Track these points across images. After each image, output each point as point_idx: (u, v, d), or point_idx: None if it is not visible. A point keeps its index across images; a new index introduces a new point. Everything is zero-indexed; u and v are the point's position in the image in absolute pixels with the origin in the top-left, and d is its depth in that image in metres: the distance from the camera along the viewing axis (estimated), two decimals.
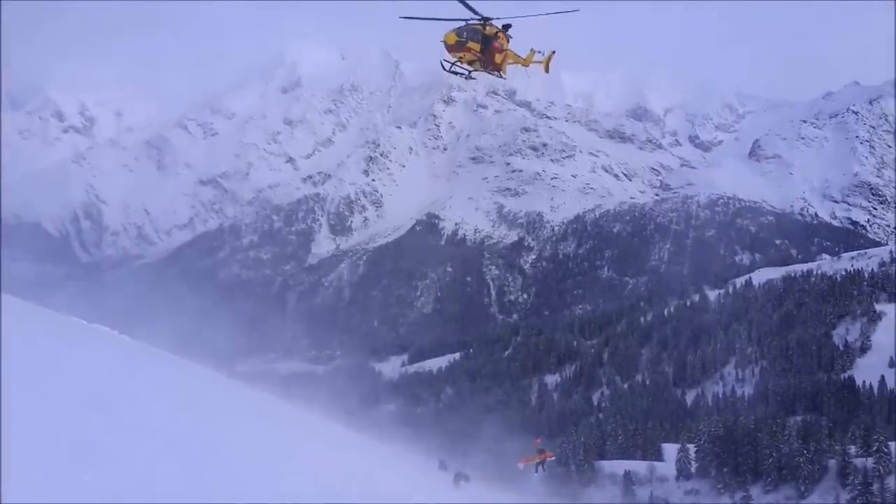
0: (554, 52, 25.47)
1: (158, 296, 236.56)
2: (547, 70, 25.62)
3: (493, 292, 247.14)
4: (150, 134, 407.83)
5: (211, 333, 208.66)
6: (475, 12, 22.43)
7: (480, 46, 23.12)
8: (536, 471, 54.56)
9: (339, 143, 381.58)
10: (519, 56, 24.63)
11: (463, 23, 22.83)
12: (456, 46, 23.10)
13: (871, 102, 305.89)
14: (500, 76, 24.94)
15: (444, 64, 24.21)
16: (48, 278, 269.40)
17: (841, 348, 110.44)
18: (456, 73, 24.72)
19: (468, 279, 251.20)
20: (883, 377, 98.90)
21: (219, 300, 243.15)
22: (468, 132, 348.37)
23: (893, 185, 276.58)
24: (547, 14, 23.44)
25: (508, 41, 23.96)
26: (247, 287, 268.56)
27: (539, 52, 25.06)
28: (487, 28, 23.01)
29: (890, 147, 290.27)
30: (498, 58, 23.85)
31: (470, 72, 24.54)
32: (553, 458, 54.42)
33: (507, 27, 23.48)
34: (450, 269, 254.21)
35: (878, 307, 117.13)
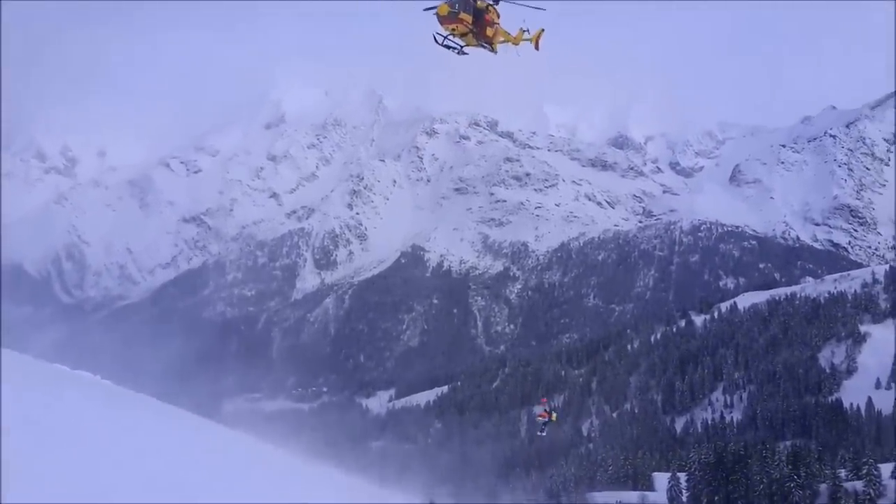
0: (542, 30, 25.77)
1: (142, 337, 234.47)
2: (537, 47, 25.82)
3: (479, 323, 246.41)
4: (133, 173, 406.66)
5: (195, 373, 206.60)
6: None
7: (472, 18, 23.34)
8: (542, 430, 54.05)
9: (323, 177, 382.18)
10: (509, 34, 24.95)
11: None
12: (448, 17, 23.21)
13: (847, 126, 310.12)
14: (492, 50, 24.97)
15: (437, 37, 24.29)
16: (30, 321, 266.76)
17: (827, 371, 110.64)
18: (448, 48, 24.65)
19: (454, 311, 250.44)
20: (870, 399, 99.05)
21: (203, 339, 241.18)
22: (451, 164, 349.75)
23: (873, 207, 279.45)
24: (519, 3, 23.95)
25: (499, 16, 24.30)
26: (231, 325, 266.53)
27: (526, 30, 25.36)
28: (478, 2, 23.39)
29: (868, 169, 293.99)
30: (489, 31, 24.13)
31: (462, 47, 24.63)
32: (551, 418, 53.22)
33: (497, 0, 23.83)
34: (436, 301, 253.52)
35: (862, 328, 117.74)
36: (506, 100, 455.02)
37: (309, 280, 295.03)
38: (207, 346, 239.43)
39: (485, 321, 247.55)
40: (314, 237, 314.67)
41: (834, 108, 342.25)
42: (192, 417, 41.40)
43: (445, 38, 24.18)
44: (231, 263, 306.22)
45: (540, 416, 52.34)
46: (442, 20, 23.29)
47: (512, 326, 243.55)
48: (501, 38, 24.83)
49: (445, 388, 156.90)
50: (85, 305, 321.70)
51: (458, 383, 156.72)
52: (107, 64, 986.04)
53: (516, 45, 25.31)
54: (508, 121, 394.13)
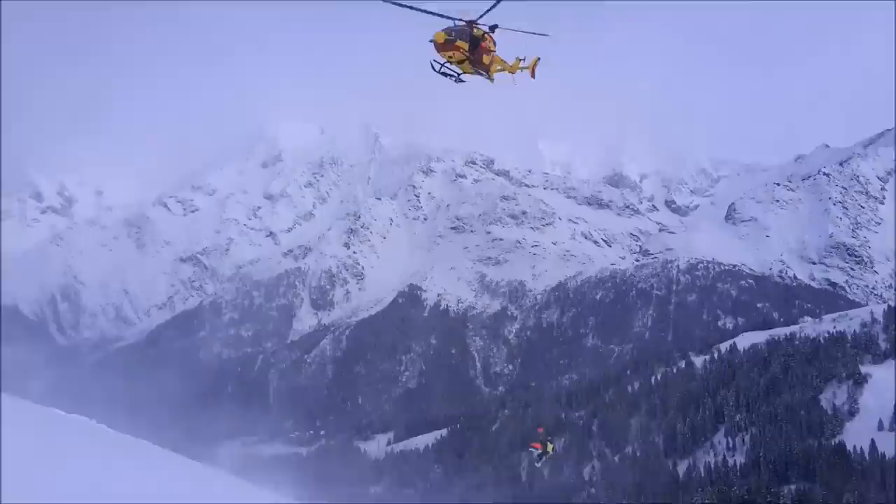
0: (538, 59, 26.12)
1: (137, 378, 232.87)
2: (533, 76, 26.22)
3: (478, 364, 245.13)
4: (129, 212, 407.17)
5: (191, 416, 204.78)
6: (459, 19, 23.36)
7: (469, 46, 23.83)
8: (539, 461, 52.22)
9: (319, 216, 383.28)
10: (506, 62, 25.35)
11: (451, 22, 23.61)
12: (445, 45, 23.68)
13: (841, 164, 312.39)
14: (489, 79, 25.39)
15: (434, 64, 24.64)
16: (25, 364, 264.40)
17: (829, 412, 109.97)
18: (446, 75, 25.01)
19: (453, 351, 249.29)
20: (873, 441, 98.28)
21: (199, 381, 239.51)
22: (448, 202, 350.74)
23: (869, 245, 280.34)
24: (519, 31, 24.28)
25: (495, 44, 24.70)
26: (227, 366, 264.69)
27: (523, 59, 25.78)
28: (475, 30, 23.83)
29: (863, 208, 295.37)
30: (486, 59, 24.55)
31: (459, 74, 24.99)
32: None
33: (493, 28, 24.16)
34: (434, 342, 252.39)
35: (863, 369, 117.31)
36: (500, 136, 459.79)
37: (306, 320, 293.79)
38: (203, 388, 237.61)
39: (483, 362, 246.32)
40: (311, 277, 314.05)
41: (827, 146, 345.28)
42: (187, 462, 40.95)
43: (443, 65, 24.56)
44: (227, 304, 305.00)
45: (533, 445, 51.18)
46: (439, 48, 23.76)
47: (511, 367, 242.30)
48: (498, 67, 25.24)
49: (445, 432, 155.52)
50: (80, 347, 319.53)
51: (458, 426, 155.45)
52: (104, 103, 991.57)
53: (513, 73, 25.74)
54: (503, 158, 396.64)
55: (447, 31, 23.62)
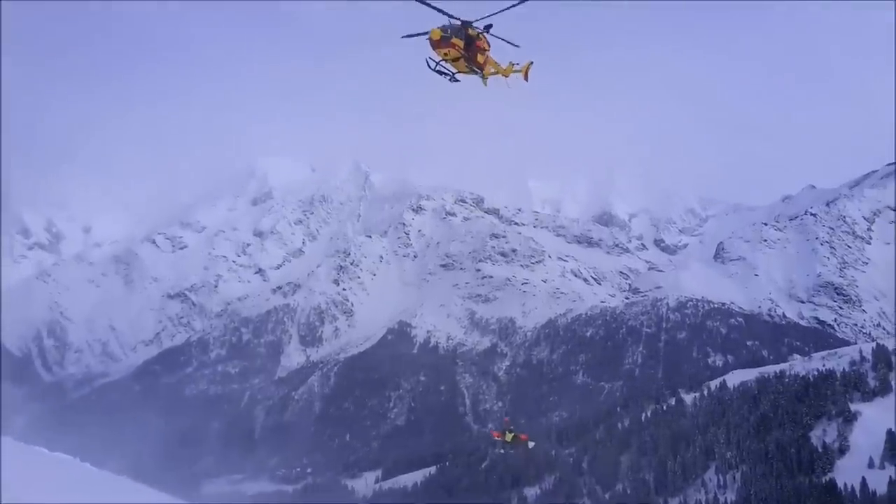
0: (531, 63, 26.81)
1: (122, 416, 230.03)
2: (526, 78, 26.92)
3: (467, 401, 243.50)
4: (118, 249, 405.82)
5: (177, 453, 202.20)
6: (457, 18, 23.93)
7: (464, 43, 24.33)
8: (502, 448, 49.25)
9: (309, 253, 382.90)
10: (499, 65, 26.07)
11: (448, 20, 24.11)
12: (441, 42, 24.14)
13: (827, 205, 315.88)
14: (483, 77, 25.92)
15: (430, 62, 25.09)
16: (9, 400, 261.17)
17: (819, 450, 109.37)
18: (441, 73, 25.44)
19: (442, 388, 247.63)
20: (864, 479, 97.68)
21: (185, 417, 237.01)
22: (438, 239, 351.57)
23: (856, 284, 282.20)
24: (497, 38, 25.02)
25: (489, 46, 25.29)
26: (214, 403, 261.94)
27: (516, 63, 26.51)
28: (469, 30, 24.44)
29: (850, 248, 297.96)
30: (480, 58, 25.14)
31: (454, 73, 25.42)
32: (526, 440, 48.85)
33: (488, 28, 24.70)
34: (423, 378, 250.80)
35: (852, 407, 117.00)
36: (490, 175, 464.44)
37: (294, 357, 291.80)
38: (189, 425, 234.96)
39: (473, 398, 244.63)
40: (300, 313, 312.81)
41: (813, 187, 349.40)
42: (172, 501, 40.32)
43: (438, 63, 25.06)
44: (215, 340, 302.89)
45: (494, 434, 49.44)
46: (434, 44, 24.29)
47: (500, 404, 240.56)
48: (492, 69, 25.97)
49: (433, 469, 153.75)
50: (65, 383, 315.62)
51: (447, 463, 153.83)
52: (94, 139, 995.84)
53: (506, 76, 26.48)
54: (493, 196, 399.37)
55: (443, 28, 24.16)
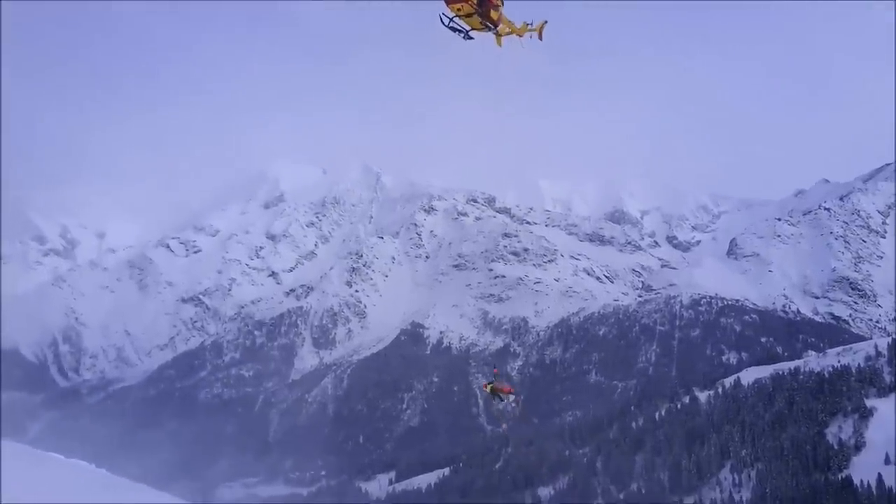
0: (545, 22, 27.21)
1: (138, 421, 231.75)
2: (541, 38, 27.31)
3: (480, 401, 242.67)
4: (132, 254, 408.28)
5: (192, 458, 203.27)
6: None
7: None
8: (498, 396, 47.28)
9: (321, 255, 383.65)
10: (513, 23, 26.31)
11: None
12: None
13: (841, 199, 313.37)
14: (497, 35, 26.13)
15: (443, 19, 25.27)
16: (26, 406, 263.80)
17: (835, 447, 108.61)
18: (454, 30, 25.59)
19: (455, 388, 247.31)
20: (880, 475, 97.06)
21: (200, 421, 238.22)
22: (450, 240, 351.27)
23: (871, 279, 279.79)
24: None
25: (502, 2, 25.56)
26: (228, 407, 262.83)
27: (530, 23, 26.87)
28: None
29: (864, 242, 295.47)
30: (494, 14, 25.28)
31: (468, 31, 25.55)
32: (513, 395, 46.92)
33: None
34: (436, 379, 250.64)
35: (868, 403, 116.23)
36: (501, 175, 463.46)
37: (307, 360, 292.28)
38: (204, 429, 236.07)
39: (486, 399, 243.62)
40: (313, 316, 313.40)
41: (827, 181, 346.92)
42: None
43: (451, 19, 25.22)
44: (229, 344, 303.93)
45: (484, 386, 47.41)
46: (448, 0, 24.52)
47: (514, 404, 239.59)
48: (507, 29, 26.22)
49: (447, 470, 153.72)
50: (81, 389, 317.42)
51: (460, 464, 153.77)
52: (104, 145, 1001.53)
53: (520, 36, 26.77)
54: (504, 196, 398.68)
55: None
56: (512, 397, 46.83)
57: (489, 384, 44.93)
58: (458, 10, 24.62)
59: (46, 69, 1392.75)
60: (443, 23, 25.32)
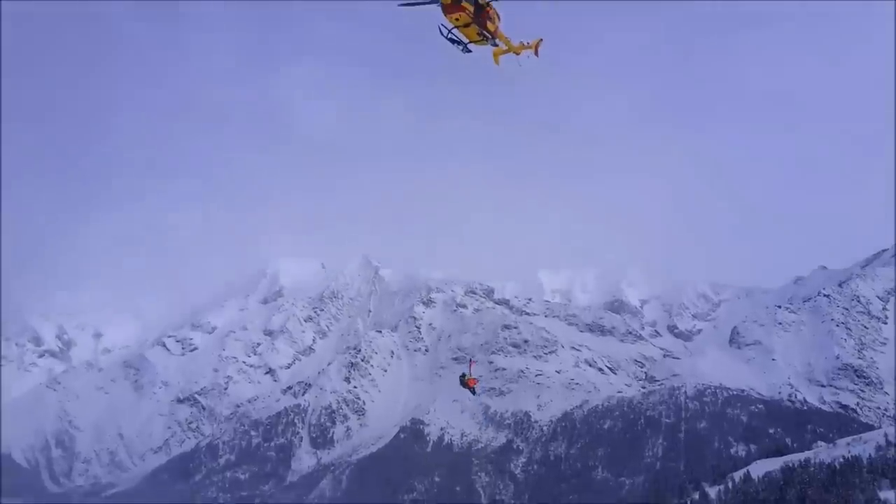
0: (541, 39, 27.87)
1: None
2: (537, 54, 27.97)
3: (484, 501, 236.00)
4: (127, 354, 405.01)
5: None
6: None
7: (473, 8, 25.13)
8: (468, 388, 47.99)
9: (319, 350, 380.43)
10: (510, 41, 27.14)
11: None
12: (451, 5, 24.84)
13: (840, 285, 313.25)
14: (495, 48, 26.84)
15: (442, 29, 25.81)
16: None
17: None
18: (454, 42, 26.07)
19: (457, 489, 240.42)
20: None
21: None
22: (449, 332, 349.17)
23: (876, 366, 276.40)
24: None
25: (499, 17, 26.26)
26: None
27: (526, 42, 27.65)
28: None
29: (866, 328, 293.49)
30: (490, 25, 26.00)
31: (466, 43, 26.15)
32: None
33: None
34: (437, 479, 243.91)
35: (881, 494, 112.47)
36: (500, 266, 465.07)
37: (305, 460, 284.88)
38: None
39: (490, 498, 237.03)
40: (310, 414, 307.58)
41: (825, 267, 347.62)
42: None
43: (450, 31, 25.79)
44: (224, 445, 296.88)
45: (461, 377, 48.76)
46: (446, 8, 25.03)
47: (518, 503, 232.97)
48: (504, 45, 27.01)
49: None
50: (72, 495, 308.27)
51: None
52: (106, 245, 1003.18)
53: (518, 54, 27.56)
54: (503, 287, 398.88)
55: None
56: (477, 388, 49.83)
57: (463, 375, 47.96)
58: (456, 19, 25.23)
59: (50, 175, 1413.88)
60: (442, 34, 25.96)
